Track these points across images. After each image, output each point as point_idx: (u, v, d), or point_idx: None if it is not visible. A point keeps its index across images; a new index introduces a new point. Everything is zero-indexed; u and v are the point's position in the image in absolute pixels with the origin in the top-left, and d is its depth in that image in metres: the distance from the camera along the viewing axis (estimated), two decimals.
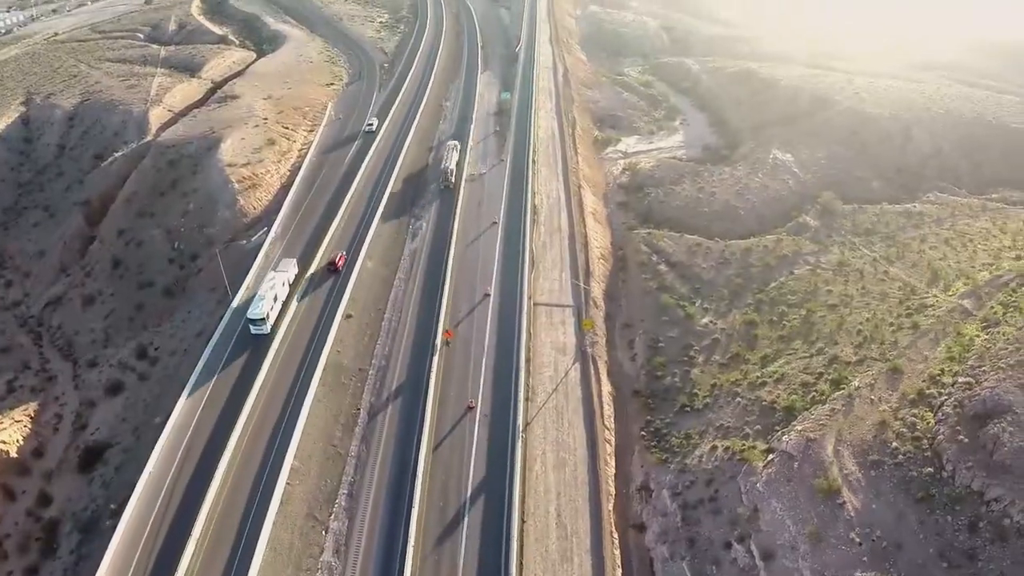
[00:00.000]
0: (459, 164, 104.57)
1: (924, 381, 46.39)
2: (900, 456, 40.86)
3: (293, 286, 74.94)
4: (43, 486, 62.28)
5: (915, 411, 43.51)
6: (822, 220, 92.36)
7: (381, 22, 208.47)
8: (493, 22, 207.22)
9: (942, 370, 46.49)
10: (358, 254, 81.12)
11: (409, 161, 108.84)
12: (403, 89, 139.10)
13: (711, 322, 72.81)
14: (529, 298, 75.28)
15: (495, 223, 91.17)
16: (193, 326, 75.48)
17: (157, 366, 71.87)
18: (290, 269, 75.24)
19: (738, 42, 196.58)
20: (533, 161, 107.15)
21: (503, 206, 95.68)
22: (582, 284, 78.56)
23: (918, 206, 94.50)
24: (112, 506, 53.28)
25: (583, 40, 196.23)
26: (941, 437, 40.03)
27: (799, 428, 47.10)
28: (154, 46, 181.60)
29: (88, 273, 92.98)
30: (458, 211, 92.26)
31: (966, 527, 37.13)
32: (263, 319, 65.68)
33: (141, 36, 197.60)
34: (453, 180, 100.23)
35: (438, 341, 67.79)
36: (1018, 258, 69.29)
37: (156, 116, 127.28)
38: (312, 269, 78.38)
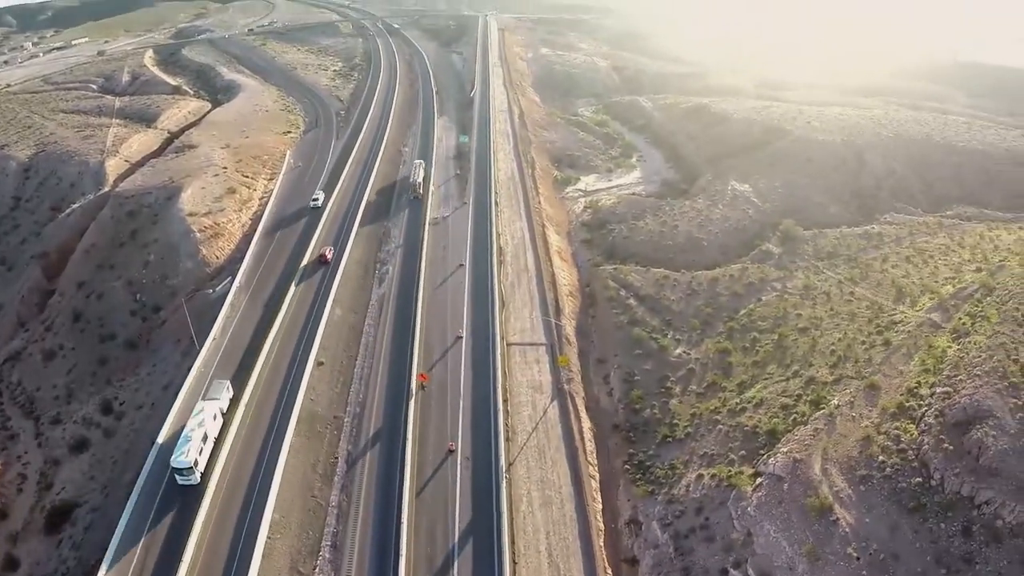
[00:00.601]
0: (425, 178, 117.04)
1: (902, 395, 48.09)
2: (888, 469, 42.00)
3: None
4: (9, 549, 59.93)
5: (897, 424, 44.99)
6: (784, 247, 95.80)
7: (335, 70, 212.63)
8: (446, 67, 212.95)
9: (919, 383, 48.33)
10: (326, 302, 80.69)
11: (371, 209, 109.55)
12: (361, 136, 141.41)
13: (684, 352, 74.07)
14: (502, 338, 75.63)
15: (462, 265, 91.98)
16: (159, 379, 74.05)
17: (123, 421, 70.20)
18: (223, 395, 62.33)
19: (687, 78, 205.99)
20: (496, 203, 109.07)
21: (468, 248, 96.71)
22: (554, 321, 79.30)
23: (877, 227, 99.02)
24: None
25: (536, 82, 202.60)
26: (926, 447, 41.39)
27: (784, 450, 48.00)
28: (108, 97, 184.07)
29: (48, 327, 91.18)
30: (424, 255, 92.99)
31: (960, 532, 38.23)
32: (190, 468, 52.73)
33: (94, 87, 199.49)
34: (421, 192, 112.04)
35: (413, 385, 67.34)
36: (979, 270, 72.93)
37: (113, 167, 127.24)
38: (279, 319, 77.35)
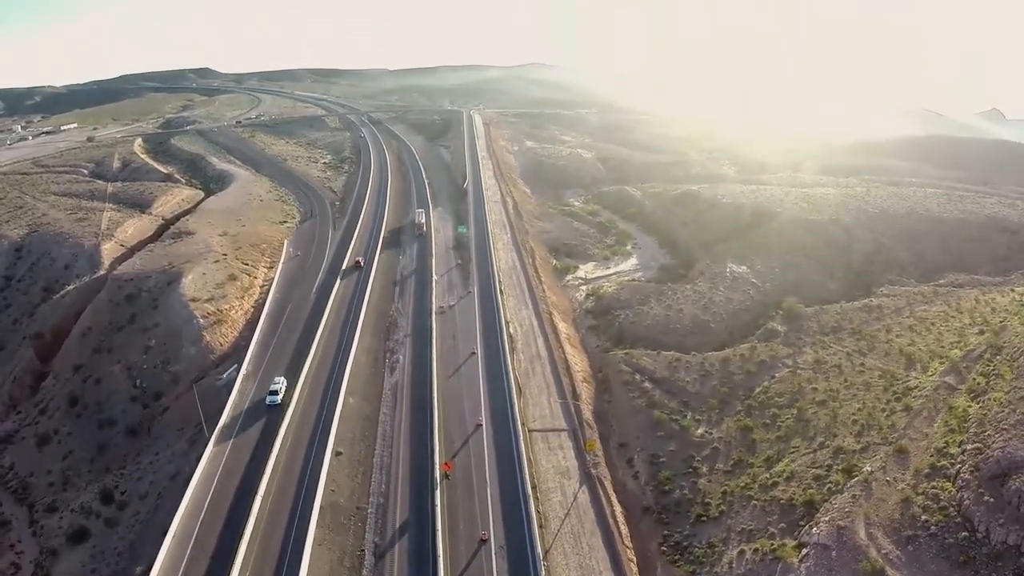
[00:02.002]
0: (426, 221, 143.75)
1: (932, 455, 51.24)
2: (932, 527, 44.50)
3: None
4: None
5: (933, 483, 47.89)
6: (789, 324, 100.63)
7: (325, 163, 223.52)
8: (435, 160, 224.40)
9: (946, 442, 51.63)
10: (339, 390, 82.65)
11: (376, 297, 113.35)
12: (358, 227, 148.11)
13: (707, 432, 76.70)
14: (523, 425, 77.74)
15: (474, 353, 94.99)
16: (164, 468, 74.19)
17: (126, 511, 69.89)
18: None
19: (670, 167, 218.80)
20: (501, 291, 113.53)
21: (479, 336, 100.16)
22: (571, 403, 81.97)
23: (875, 300, 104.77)
24: None
25: (524, 174, 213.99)
26: (967, 502, 44.16)
27: (826, 519, 50.24)
28: (99, 182, 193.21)
29: (42, 410, 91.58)
30: (434, 343, 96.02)
31: None
32: None
33: (85, 172, 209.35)
34: (425, 230, 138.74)
35: (437, 474, 68.58)
36: (982, 332, 77.91)
37: (108, 250, 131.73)
38: (292, 407, 79.15)
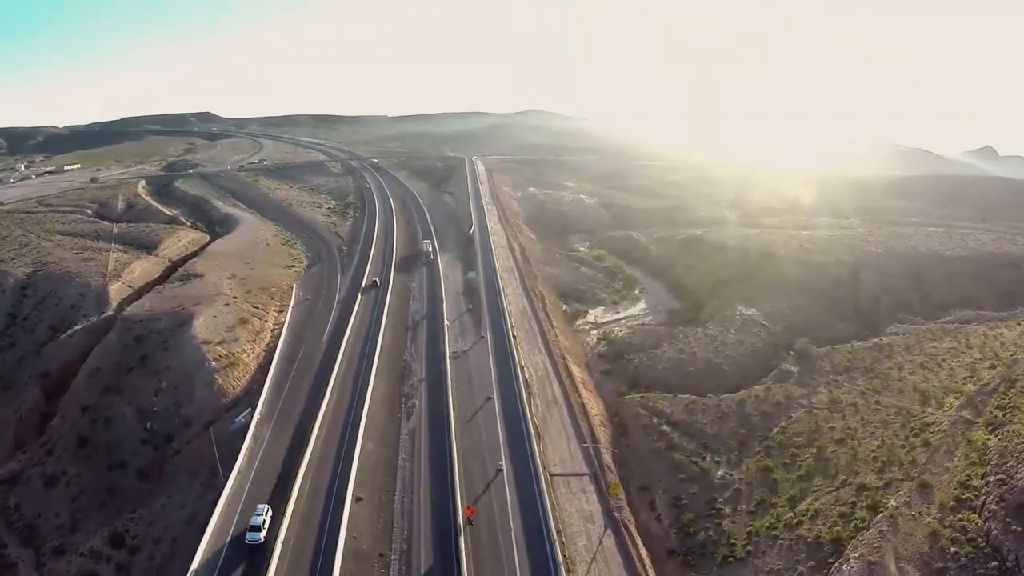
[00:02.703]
0: (432, 250, 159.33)
1: (956, 488, 53.01)
2: (962, 559, 45.99)
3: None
4: None
5: (959, 516, 49.57)
6: (801, 365, 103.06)
7: (329, 208, 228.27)
8: (440, 206, 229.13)
9: (969, 475, 53.47)
10: (356, 435, 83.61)
11: (389, 341, 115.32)
12: (367, 270, 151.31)
13: (727, 474, 78.17)
14: (544, 469, 79.08)
15: (490, 398, 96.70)
16: (177, 513, 74.67)
17: (139, 556, 70.10)
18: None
19: (672, 212, 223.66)
20: (513, 336, 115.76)
21: (494, 381, 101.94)
22: (591, 446, 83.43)
23: (884, 339, 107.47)
24: None
25: (528, 220, 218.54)
26: (995, 532, 45.79)
27: (856, 555, 51.66)
28: (104, 222, 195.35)
29: (49, 451, 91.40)
30: (450, 388, 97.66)
31: None
32: None
33: (89, 212, 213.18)
34: (432, 258, 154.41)
35: (460, 520, 69.59)
36: (993, 367, 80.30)
37: (116, 291, 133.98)
38: (309, 452, 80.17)
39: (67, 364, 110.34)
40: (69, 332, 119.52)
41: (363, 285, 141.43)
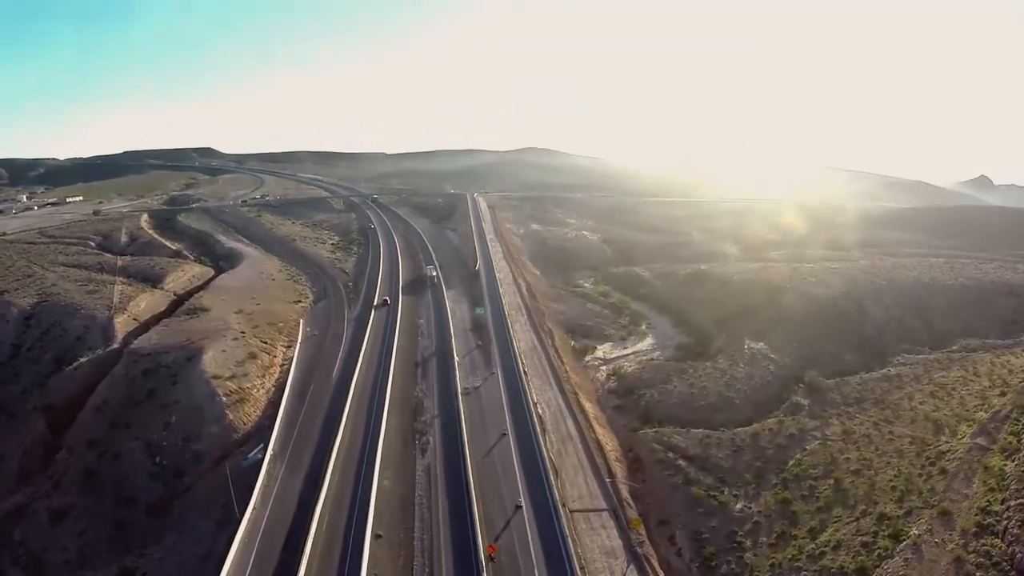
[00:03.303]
0: (436, 274, 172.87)
1: (976, 514, 54.67)
2: None
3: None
4: None
5: (983, 541, 51.18)
6: (812, 397, 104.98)
7: (333, 243, 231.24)
8: (444, 243, 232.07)
9: (988, 501, 55.18)
10: (372, 471, 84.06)
11: (399, 377, 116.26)
12: (374, 308, 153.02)
13: (746, 507, 79.37)
14: (563, 505, 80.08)
15: (504, 434, 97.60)
16: (190, 549, 74.58)
17: None
18: None
19: (675, 247, 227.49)
20: (525, 372, 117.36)
21: (508, 417, 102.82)
22: (608, 481, 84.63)
23: (893, 369, 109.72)
24: None
25: (532, 256, 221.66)
26: (1020, 555, 47.41)
27: None
28: (108, 255, 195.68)
29: (56, 484, 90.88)
30: (463, 424, 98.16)
31: None
32: None
33: (92, 244, 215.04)
34: (436, 281, 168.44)
35: (482, 556, 70.26)
36: (1003, 393, 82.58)
37: (122, 323, 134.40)
38: (325, 488, 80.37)
39: (73, 396, 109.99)
40: (75, 364, 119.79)
41: (370, 321, 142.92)
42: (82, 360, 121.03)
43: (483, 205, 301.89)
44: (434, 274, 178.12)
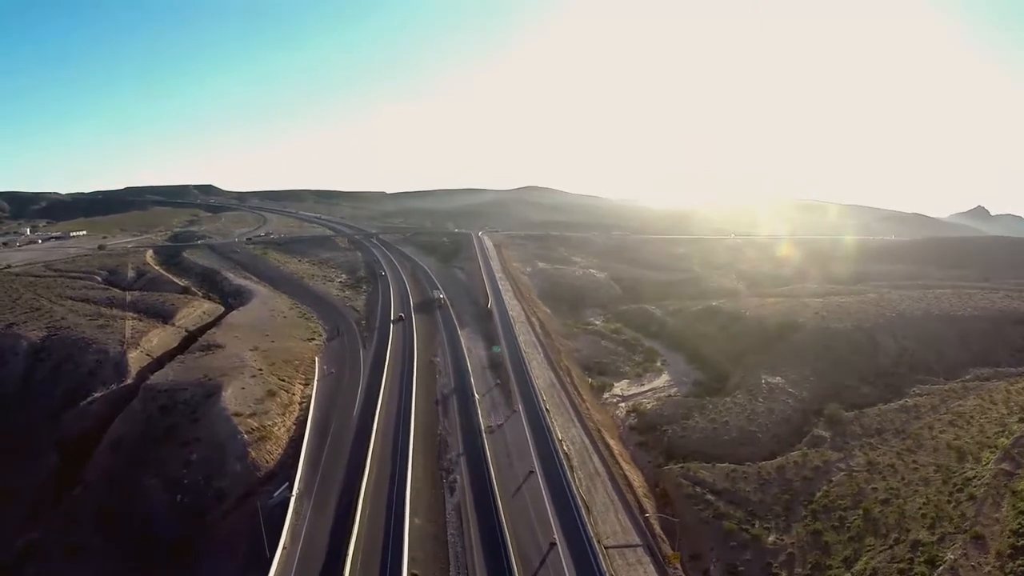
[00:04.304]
0: (443, 298, 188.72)
1: (1009, 537, 57.52)
2: None
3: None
4: None
5: (1018, 562, 53.99)
6: (833, 430, 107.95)
7: (341, 281, 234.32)
8: (452, 281, 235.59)
9: (1020, 524, 58.09)
10: (403, 510, 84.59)
11: (421, 415, 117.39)
12: (389, 345, 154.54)
13: (778, 539, 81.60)
14: (598, 542, 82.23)
15: (532, 472, 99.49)
16: None
17: None
18: None
19: (682, 285, 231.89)
20: (547, 409, 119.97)
21: (534, 455, 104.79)
22: (640, 519, 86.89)
23: (910, 400, 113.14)
24: None
25: (541, 294, 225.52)
26: None
27: None
28: (116, 290, 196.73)
29: (71, 521, 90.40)
30: (490, 463, 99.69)
31: None
32: None
33: (99, 279, 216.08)
34: (442, 304, 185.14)
35: None
36: (1022, 420, 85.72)
37: (135, 359, 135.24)
38: (356, 526, 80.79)
39: (87, 432, 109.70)
40: (89, 400, 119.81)
41: (387, 357, 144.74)
42: (96, 395, 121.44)
43: (489, 244, 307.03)
44: (441, 296, 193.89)
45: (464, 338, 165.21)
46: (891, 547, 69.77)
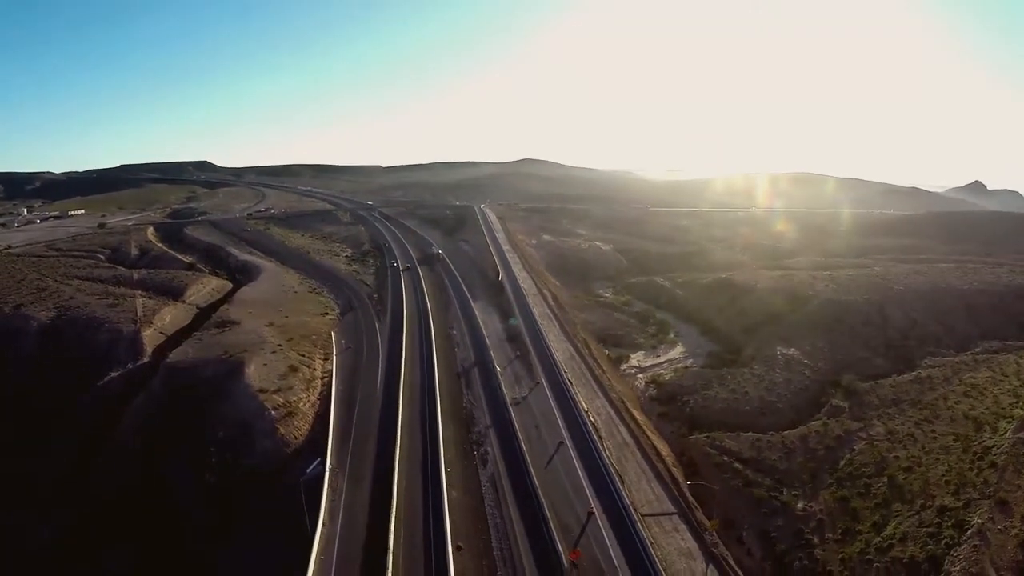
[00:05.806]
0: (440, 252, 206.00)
1: None
2: None
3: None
4: None
5: None
6: (850, 400, 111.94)
7: (347, 256, 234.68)
8: (459, 255, 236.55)
9: None
10: (439, 482, 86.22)
11: (444, 387, 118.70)
12: (404, 319, 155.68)
13: (808, 505, 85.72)
14: (635, 510, 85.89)
15: (562, 443, 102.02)
16: (257, 570, 75.26)
17: None
18: None
19: (690, 257, 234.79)
20: (569, 381, 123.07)
21: (562, 426, 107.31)
22: (672, 487, 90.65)
23: (923, 372, 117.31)
24: None
25: (548, 267, 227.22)
26: None
27: (957, 568, 59.63)
28: (121, 268, 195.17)
29: (95, 505, 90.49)
30: (520, 434, 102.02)
31: None
32: None
33: (102, 257, 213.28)
34: (441, 257, 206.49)
35: (565, 563, 74.92)
36: None
37: (149, 337, 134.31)
38: (394, 500, 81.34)
39: (106, 413, 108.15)
40: (106, 379, 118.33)
41: (404, 332, 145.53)
42: (113, 375, 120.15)
43: (492, 216, 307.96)
44: (439, 252, 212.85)
45: (478, 311, 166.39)
46: (918, 512, 73.89)
